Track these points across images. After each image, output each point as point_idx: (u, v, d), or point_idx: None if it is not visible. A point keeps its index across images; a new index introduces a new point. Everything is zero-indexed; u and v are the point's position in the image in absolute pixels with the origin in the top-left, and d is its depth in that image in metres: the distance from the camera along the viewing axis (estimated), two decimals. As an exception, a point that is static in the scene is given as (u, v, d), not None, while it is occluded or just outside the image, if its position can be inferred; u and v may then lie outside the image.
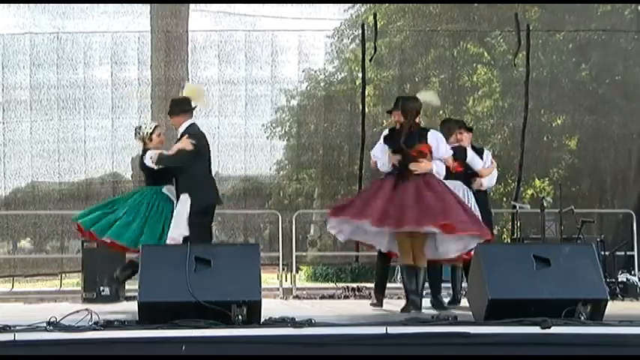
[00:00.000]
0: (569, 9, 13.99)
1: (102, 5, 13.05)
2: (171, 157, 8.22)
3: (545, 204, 10.58)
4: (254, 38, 13.58)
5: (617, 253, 11.28)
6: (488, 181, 9.22)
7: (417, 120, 8.32)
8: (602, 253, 10.53)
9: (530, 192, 14.82)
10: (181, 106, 8.42)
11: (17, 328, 5.36)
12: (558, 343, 5.42)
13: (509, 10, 13.92)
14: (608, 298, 6.17)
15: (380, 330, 5.53)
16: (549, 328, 5.49)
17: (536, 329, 5.50)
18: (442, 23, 14.50)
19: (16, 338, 5.17)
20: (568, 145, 15.01)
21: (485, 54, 16.34)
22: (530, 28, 13.51)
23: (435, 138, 8.15)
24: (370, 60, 13.54)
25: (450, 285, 9.26)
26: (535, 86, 13.64)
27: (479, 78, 16.19)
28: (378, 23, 13.67)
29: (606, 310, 6.03)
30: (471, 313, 6.40)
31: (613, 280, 10.35)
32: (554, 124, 15.01)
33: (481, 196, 9.02)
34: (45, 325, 5.47)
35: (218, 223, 13.80)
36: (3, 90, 12.95)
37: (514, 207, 11.62)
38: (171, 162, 8.21)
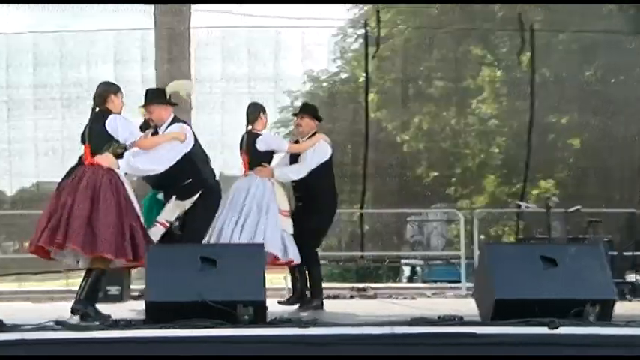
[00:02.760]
0: (573, 9, 14.00)
1: (104, 4, 13.08)
2: None
3: (550, 204, 10.57)
4: (256, 35, 13.59)
5: (625, 253, 11.26)
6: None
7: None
8: (610, 253, 10.50)
9: (535, 192, 14.80)
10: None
11: (26, 327, 5.37)
12: (566, 344, 5.40)
13: (512, 10, 13.93)
14: (616, 298, 6.17)
15: (386, 330, 5.53)
16: (557, 328, 5.47)
17: (543, 330, 5.48)
18: (445, 24, 14.51)
19: (24, 337, 5.17)
20: (573, 145, 15.01)
21: (489, 55, 16.34)
22: (534, 28, 13.50)
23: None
24: (373, 57, 13.53)
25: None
26: (539, 87, 13.64)
27: (482, 79, 16.19)
28: (381, 22, 13.65)
29: (614, 311, 6.02)
30: (477, 313, 6.40)
31: (621, 280, 10.32)
32: (559, 125, 15.01)
33: None
34: (53, 324, 5.48)
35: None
36: (7, 89, 12.98)
37: (519, 207, 11.62)
38: None
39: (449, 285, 12.77)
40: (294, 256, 8.29)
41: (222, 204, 8.28)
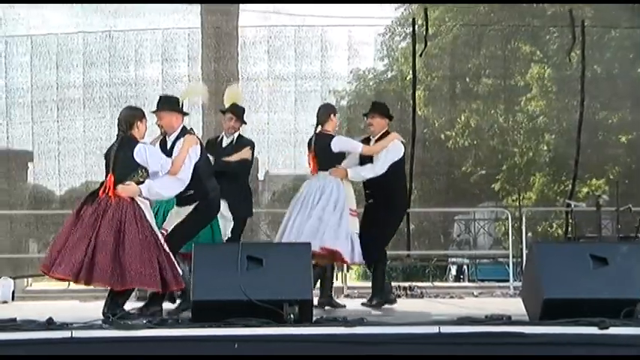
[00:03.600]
0: (625, 5, 13.79)
1: (152, 3, 13.16)
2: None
3: (601, 202, 10.44)
4: (303, 34, 13.60)
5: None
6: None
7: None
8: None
9: (585, 190, 14.65)
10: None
11: (74, 325, 5.42)
12: (616, 344, 5.35)
13: (562, 7, 13.78)
14: (668, 298, 6.06)
15: (433, 329, 5.50)
16: (607, 328, 5.41)
17: (593, 330, 5.42)
18: (493, 21, 14.40)
19: (73, 335, 5.22)
20: (624, 142, 14.81)
21: (538, 52, 16.19)
22: (585, 24, 13.34)
23: None
24: (420, 55, 13.46)
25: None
26: (590, 83, 13.47)
27: (532, 76, 16.05)
28: (429, 20, 13.57)
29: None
30: (525, 312, 6.33)
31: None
32: (610, 122, 14.83)
33: None
34: (100, 322, 5.53)
35: (269, 222, 13.85)
36: (57, 89, 13.10)
37: (569, 205, 11.49)
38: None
39: (496, 284, 12.68)
40: (360, 257, 8.31)
41: (294, 201, 8.50)
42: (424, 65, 14.16)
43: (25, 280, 13.73)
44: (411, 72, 13.85)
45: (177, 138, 7.37)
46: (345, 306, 8.57)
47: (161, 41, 13.32)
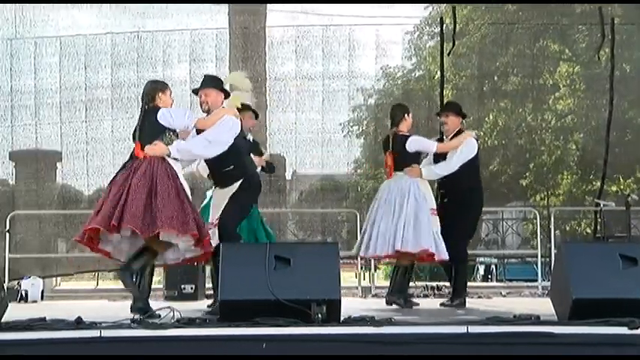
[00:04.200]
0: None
1: (181, 4, 13.21)
2: None
3: (630, 201, 10.37)
4: (331, 33, 13.60)
5: None
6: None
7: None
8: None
9: (614, 188, 14.54)
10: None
11: (103, 324, 5.46)
12: (646, 345, 5.31)
13: (590, 6, 13.69)
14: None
15: (461, 329, 5.48)
16: (637, 328, 5.37)
17: (623, 330, 5.39)
18: (521, 19, 14.33)
19: (102, 335, 5.25)
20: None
21: (567, 50, 16.09)
22: (615, 22, 13.23)
23: None
24: (449, 54, 13.43)
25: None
26: (619, 82, 13.37)
27: (560, 74, 15.95)
28: (457, 21, 13.53)
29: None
30: (554, 312, 6.30)
31: None
32: (639, 120, 14.72)
33: None
34: (129, 322, 5.55)
35: (296, 221, 13.87)
36: (86, 89, 13.19)
37: (598, 205, 11.42)
38: None
39: (524, 284, 12.64)
40: (445, 254, 8.39)
41: (374, 206, 8.57)
42: (452, 64, 14.12)
43: (54, 279, 13.85)
44: (438, 71, 13.82)
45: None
46: (418, 304, 8.65)
47: (189, 42, 13.37)
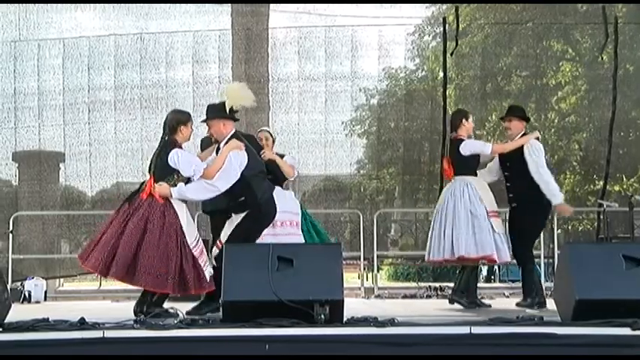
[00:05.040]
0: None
1: (183, 5, 13.23)
2: None
3: (633, 202, 10.36)
4: (333, 34, 13.60)
5: None
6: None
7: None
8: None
9: (617, 188, 14.52)
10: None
11: (106, 325, 5.46)
12: (649, 345, 5.30)
13: (594, 6, 13.68)
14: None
15: (464, 330, 5.48)
16: (640, 329, 5.37)
17: (626, 330, 5.38)
18: (525, 19, 14.32)
19: (105, 335, 5.26)
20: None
21: (570, 50, 16.07)
22: (618, 22, 13.22)
23: None
24: (451, 54, 13.43)
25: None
26: (622, 82, 13.36)
27: (564, 74, 15.94)
28: (459, 21, 13.53)
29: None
30: (557, 313, 6.30)
31: None
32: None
33: None
34: (132, 322, 5.56)
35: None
36: (89, 91, 13.21)
37: (600, 205, 11.41)
38: None
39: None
40: (507, 255, 8.54)
41: (436, 212, 8.73)
42: (455, 64, 14.11)
43: (57, 280, 13.86)
44: (441, 71, 13.81)
45: (227, 144, 7.39)
46: (490, 305, 8.73)
47: (192, 43, 13.38)
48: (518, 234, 8.58)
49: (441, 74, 13.79)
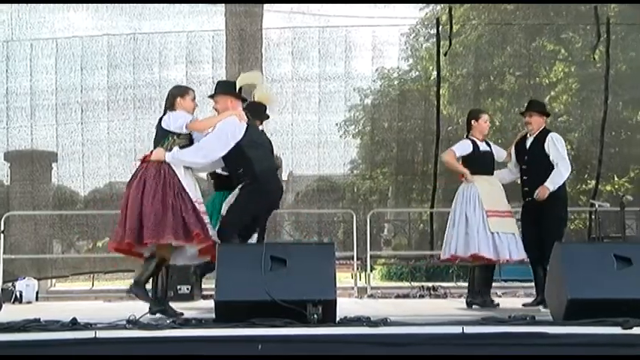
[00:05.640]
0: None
1: (177, 5, 13.21)
2: None
3: (625, 202, 10.37)
4: (327, 35, 13.60)
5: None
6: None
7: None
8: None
9: (608, 188, 14.55)
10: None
11: (98, 325, 5.44)
12: (640, 345, 5.32)
13: (586, 6, 13.71)
14: (693, 298, 6.01)
15: (456, 329, 5.48)
16: (631, 328, 5.38)
17: (617, 330, 5.39)
18: (518, 19, 14.35)
19: (97, 336, 5.25)
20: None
21: (562, 50, 16.10)
22: (610, 22, 13.25)
23: None
24: (445, 54, 13.45)
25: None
26: (614, 82, 13.39)
27: (556, 74, 15.97)
28: (453, 19, 13.54)
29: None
30: (549, 312, 6.32)
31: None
32: (634, 121, 14.73)
33: None
34: (125, 323, 5.55)
35: (292, 222, 13.88)
36: (81, 91, 13.19)
37: (592, 205, 11.42)
38: None
39: (520, 284, 12.62)
40: (517, 255, 8.61)
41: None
42: (448, 64, 14.13)
43: (49, 280, 13.84)
44: (434, 71, 13.83)
45: None
46: (498, 304, 8.74)
47: (185, 43, 13.37)
48: (533, 230, 8.57)
49: (435, 74, 13.80)
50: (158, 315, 6.91)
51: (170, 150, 7.14)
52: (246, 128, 7.36)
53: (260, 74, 8.04)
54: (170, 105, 7.33)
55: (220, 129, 7.22)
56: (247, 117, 7.47)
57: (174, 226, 6.94)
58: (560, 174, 8.52)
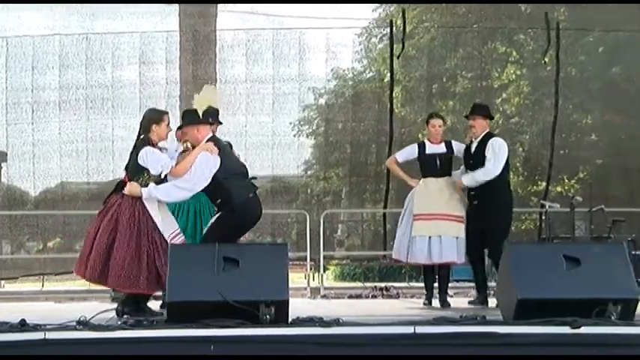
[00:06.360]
0: (599, 8, 13.89)
1: (130, 6, 13.12)
2: None
3: (574, 203, 10.49)
4: (281, 37, 13.60)
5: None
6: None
7: None
8: (633, 252, 10.40)
9: (558, 189, 14.72)
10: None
11: (47, 327, 5.39)
12: (588, 344, 5.38)
13: (538, 8, 13.86)
14: (640, 298, 6.12)
15: (408, 330, 5.52)
16: (579, 328, 5.45)
17: (565, 329, 5.46)
18: (470, 22, 14.46)
19: (47, 337, 5.20)
20: (597, 144, 14.89)
21: (514, 53, 16.27)
22: (560, 27, 13.42)
23: None
24: (398, 57, 13.52)
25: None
26: (564, 85, 13.56)
27: (508, 76, 16.13)
28: (406, 23, 13.62)
29: (637, 310, 5.97)
30: (499, 312, 6.38)
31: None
32: (583, 123, 14.92)
33: None
34: (75, 324, 5.50)
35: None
36: (32, 91, 13.06)
37: (542, 206, 11.55)
38: None
39: (471, 284, 12.72)
40: (438, 258, 8.77)
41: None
42: (401, 66, 14.19)
43: (-2, 281, 13.68)
44: (388, 73, 13.88)
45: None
46: (450, 305, 8.79)
47: (139, 44, 13.28)
48: (488, 234, 8.61)
49: (388, 76, 13.85)
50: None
51: (146, 186, 7.06)
52: (220, 160, 7.33)
53: (214, 90, 7.95)
54: (145, 130, 7.21)
55: (197, 168, 7.17)
56: (218, 146, 7.43)
57: (148, 277, 6.88)
58: (484, 173, 8.58)
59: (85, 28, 13.17)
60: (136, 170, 7.09)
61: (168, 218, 7.21)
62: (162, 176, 7.16)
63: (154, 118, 7.31)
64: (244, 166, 7.75)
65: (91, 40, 13.15)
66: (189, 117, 7.50)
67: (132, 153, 7.21)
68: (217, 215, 7.43)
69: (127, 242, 6.89)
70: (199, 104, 7.56)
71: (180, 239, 7.18)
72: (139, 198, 7.01)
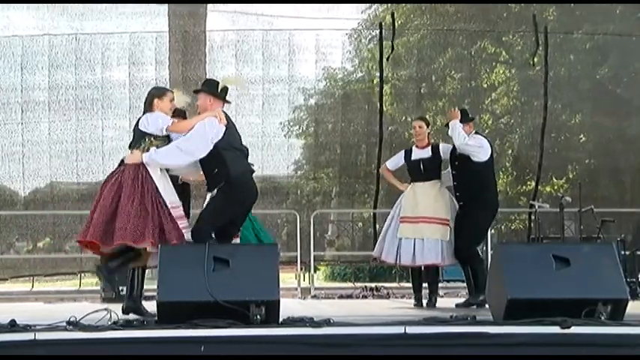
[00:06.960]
0: (587, 9, 13.95)
1: (120, 6, 13.11)
2: None
3: (564, 203, 10.53)
4: (271, 37, 13.60)
5: (637, 252, 11.22)
6: None
7: None
8: (622, 252, 10.45)
9: (548, 189, 14.76)
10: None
11: (37, 327, 5.39)
12: (578, 343, 5.40)
13: (526, 10, 13.90)
14: (629, 297, 6.13)
15: (398, 330, 5.52)
16: (569, 328, 5.46)
17: (555, 329, 5.48)
18: (460, 22, 14.48)
19: (37, 337, 5.19)
20: (586, 144, 14.94)
21: (504, 53, 16.30)
22: (548, 28, 13.46)
23: None
24: (387, 59, 13.54)
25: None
26: (553, 86, 13.60)
27: (497, 77, 16.16)
28: (395, 23, 13.63)
29: (627, 310, 6.00)
30: (490, 312, 6.39)
31: (633, 279, 10.27)
32: (572, 124, 14.97)
33: None
34: (65, 324, 5.49)
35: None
36: (22, 91, 13.03)
37: (532, 206, 11.59)
38: None
39: (462, 284, 12.75)
40: (393, 259, 8.97)
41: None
42: (391, 66, 14.21)
43: (-13, 282, 13.65)
44: (377, 73, 13.89)
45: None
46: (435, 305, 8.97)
47: (128, 44, 13.27)
48: (467, 232, 8.71)
49: (378, 76, 13.86)
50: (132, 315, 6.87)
51: (147, 151, 7.05)
52: (225, 131, 7.30)
53: (244, 82, 8.01)
54: (148, 106, 7.22)
55: (200, 130, 7.13)
56: (227, 119, 7.40)
57: (153, 233, 6.85)
58: (459, 134, 8.66)
59: (74, 29, 13.16)
60: (137, 137, 7.12)
61: (168, 189, 7.16)
62: (164, 132, 7.12)
63: (156, 93, 7.34)
64: (247, 148, 7.74)
65: (81, 41, 13.13)
66: (210, 85, 7.52)
67: (134, 130, 7.22)
68: (217, 188, 7.32)
69: (132, 200, 6.89)
70: (225, 81, 7.61)
71: (180, 212, 7.16)
72: (142, 165, 7.01)
